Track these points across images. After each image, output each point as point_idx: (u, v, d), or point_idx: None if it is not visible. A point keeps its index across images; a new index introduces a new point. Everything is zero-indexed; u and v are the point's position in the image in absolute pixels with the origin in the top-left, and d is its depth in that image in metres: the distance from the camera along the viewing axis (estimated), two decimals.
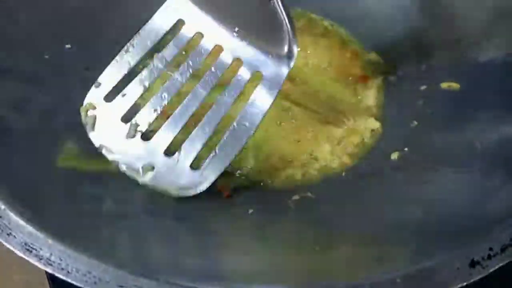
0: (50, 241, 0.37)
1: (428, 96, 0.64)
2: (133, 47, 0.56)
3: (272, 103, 0.54)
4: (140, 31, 0.57)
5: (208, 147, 0.52)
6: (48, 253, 0.37)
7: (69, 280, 0.36)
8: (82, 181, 0.49)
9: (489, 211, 0.45)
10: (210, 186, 0.51)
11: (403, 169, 0.57)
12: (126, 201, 0.49)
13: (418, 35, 0.70)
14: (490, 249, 0.38)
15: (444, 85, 0.64)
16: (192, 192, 0.51)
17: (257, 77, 0.55)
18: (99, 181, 0.50)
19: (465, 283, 0.36)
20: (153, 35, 0.57)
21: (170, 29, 0.57)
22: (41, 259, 0.37)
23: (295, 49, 0.53)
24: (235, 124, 0.53)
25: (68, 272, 0.36)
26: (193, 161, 0.51)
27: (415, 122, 0.62)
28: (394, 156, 0.59)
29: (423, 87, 0.65)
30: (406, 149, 0.59)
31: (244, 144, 0.53)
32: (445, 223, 0.45)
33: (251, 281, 0.40)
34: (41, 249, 0.37)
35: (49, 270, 0.37)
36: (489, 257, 0.37)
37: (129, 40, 0.57)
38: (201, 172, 0.51)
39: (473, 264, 0.37)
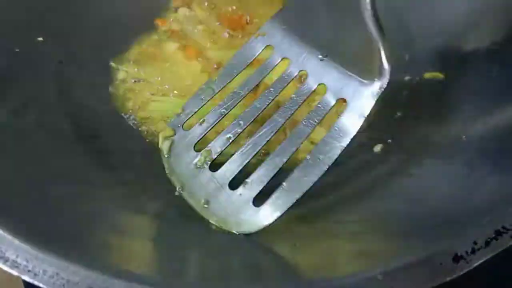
0: (16, 241, 0.36)
1: (412, 86, 0.63)
2: (221, 75, 0.55)
3: (353, 136, 0.50)
4: (231, 59, 0.56)
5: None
6: (14, 255, 0.35)
7: (35, 283, 0.34)
8: (50, 182, 0.46)
9: (474, 203, 0.44)
10: None
11: (386, 162, 0.56)
12: (96, 200, 0.47)
13: (401, 25, 0.68)
14: (475, 242, 0.36)
15: (428, 75, 0.63)
16: (252, 229, 0.47)
17: (341, 105, 0.52)
18: (69, 181, 0.48)
19: (448, 279, 0.35)
20: (242, 63, 0.55)
21: (258, 55, 0.56)
22: (6, 261, 0.35)
23: (387, 75, 0.50)
24: (308, 157, 0.49)
25: (35, 274, 0.35)
26: (257, 194, 0.48)
27: (399, 114, 0.61)
28: (378, 148, 0.58)
29: (406, 78, 0.64)
30: (389, 141, 0.58)
31: (316, 180, 0.48)
32: (429, 217, 0.44)
33: (229, 279, 0.39)
34: (7, 250, 0.35)
35: (15, 273, 0.35)
36: (473, 251, 0.36)
37: (105, 32, 0.55)
38: (264, 207, 0.47)
39: (456, 258, 0.36)
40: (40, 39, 0.60)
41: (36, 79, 0.57)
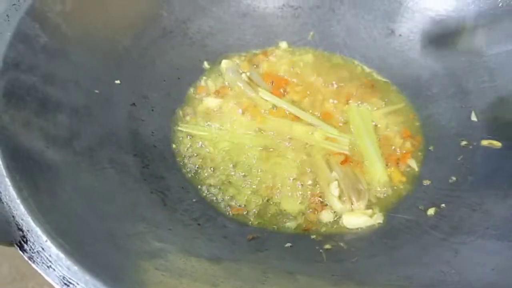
0: (87, 276, 0.38)
1: (468, 152, 0.64)
2: None
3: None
4: None
5: None
6: None
7: None
8: (120, 218, 0.50)
9: None
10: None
11: (439, 226, 0.56)
12: (160, 240, 0.49)
13: (460, 90, 0.70)
14: None
15: (485, 142, 0.63)
16: None
17: None
18: (136, 219, 0.51)
19: None
20: None
21: None
22: None
23: None
24: None
25: None
26: None
27: (454, 178, 0.62)
28: (431, 212, 0.58)
29: (463, 143, 0.65)
30: (443, 205, 0.59)
31: None
32: None
33: None
34: (78, 283, 0.38)
35: None
36: None
37: (172, 81, 0.61)
38: None
39: None
40: (118, 82, 0.65)
41: (111, 119, 0.61)
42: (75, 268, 0.39)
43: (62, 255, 0.40)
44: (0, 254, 0.81)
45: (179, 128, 0.68)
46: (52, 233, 0.41)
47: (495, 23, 0.70)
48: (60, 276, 0.39)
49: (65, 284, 0.38)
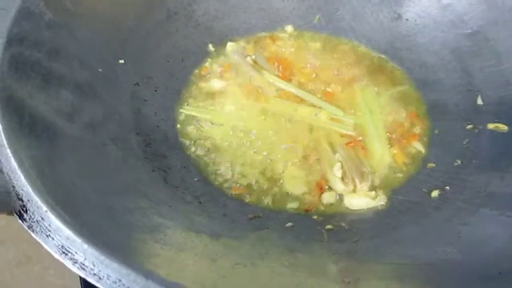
0: (85, 246, 0.38)
1: (473, 135, 0.63)
2: None
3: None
4: None
5: None
6: (83, 258, 0.38)
7: (99, 286, 0.37)
8: (120, 193, 0.50)
9: None
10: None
11: (442, 208, 0.55)
12: (160, 215, 0.49)
13: (465, 71, 0.69)
14: None
15: (491, 125, 0.62)
16: None
17: None
18: (137, 195, 0.51)
19: None
20: None
21: None
22: (75, 262, 0.38)
23: None
24: None
25: (100, 278, 0.37)
26: None
27: (459, 161, 0.61)
28: (435, 194, 0.58)
29: (469, 126, 0.64)
30: (447, 187, 0.58)
31: None
32: (483, 268, 0.43)
33: None
34: (76, 253, 0.38)
35: (82, 275, 0.38)
36: None
37: (176, 62, 0.61)
38: None
39: None
40: (122, 61, 0.65)
41: (113, 98, 0.61)
42: (74, 237, 0.39)
43: (61, 225, 0.40)
44: (6, 237, 0.82)
45: (181, 111, 0.68)
46: (52, 204, 0.41)
47: (503, 7, 0.69)
48: (59, 245, 0.39)
49: (64, 253, 0.38)
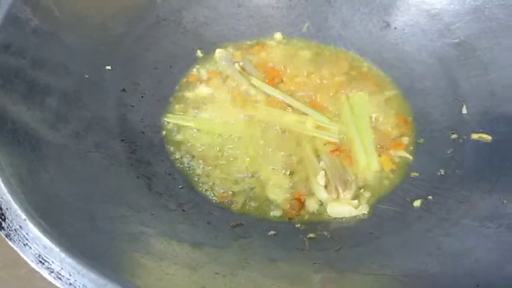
0: (63, 255, 0.39)
1: (457, 145, 0.63)
2: None
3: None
4: None
5: None
6: (59, 267, 0.38)
7: None
8: (102, 201, 0.50)
9: (509, 272, 0.44)
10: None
11: (424, 218, 0.56)
12: (142, 224, 0.49)
13: (451, 81, 0.69)
14: None
15: (475, 135, 0.62)
16: None
17: None
18: (119, 202, 0.51)
19: None
20: None
21: None
22: (52, 272, 0.38)
23: None
24: None
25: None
26: None
27: (442, 171, 0.61)
28: (417, 203, 0.58)
29: (453, 136, 0.64)
30: (430, 197, 0.59)
31: None
32: (459, 281, 0.44)
33: None
34: (53, 262, 0.38)
35: (58, 284, 0.38)
36: None
37: (165, 69, 0.61)
38: None
39: None
40: (109, 67, 0.65)
41: (99, 104, 0.61)
42: (51, 246, 0.39)
43: (39, 234, 0.40)
44: None
45: (166, 119, 0.68)
46: (31, 212, 0.41)
47: (490, 18, 0.69)
48: (36, 254, 0.39)
49: (40, 262, 0.38)
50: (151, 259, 0.45)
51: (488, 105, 0.64)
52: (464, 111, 0.66)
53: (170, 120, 0.68)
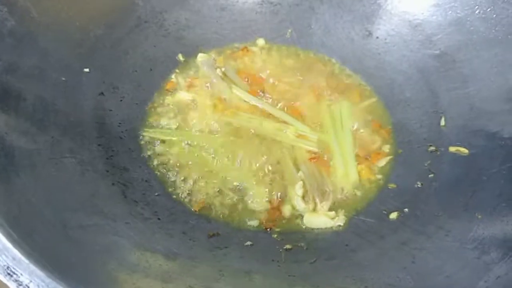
0: (32, 267, 0.38)
1: (435, 157, 0.64)
2: None
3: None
4: None
5: None
6: (28, 280, 0.37)
7: None
8: (75, 210, 0.49)
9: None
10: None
11: (399, 231, 0.56)
12: (115, 234, 0.49)
13: (432, 94, 0.70)
14: None
15: (453, 148, 0.63)
16: None
17: None
18: (93, 211, 0.50)
19: None
20: None
21: None
22: (20, 285, 0.37)
23: None
24: None
25: None
26: None
27: (419, 183, 0.62)
28: (393, 216, 0.58)
29: (431, 148, 0.65)
30: (406, 209, 0.59)
31: None
32: None
33: None
34: (22, 274, 0.38)
35: None
36: None
37: (145, 73, 0.60)
38: None
39: None
40: (87, 70, 0.64)
41: (76, 108, 0.60)
42: (20, 257, 0.38)
43: (9, 244, 0.39)
44: None
45: (144, 134, 0.66)
46: (1, 221, 0.40)
47: (471, 30, 0.70)
48: (4, 266, 0.38)
49: (9, 274, 0.38)
50: (123, 271, 0.44)
51: (467, 118, 0.65)
52: (443, 123, 0.66)
53: (147, 134, 0.66)
